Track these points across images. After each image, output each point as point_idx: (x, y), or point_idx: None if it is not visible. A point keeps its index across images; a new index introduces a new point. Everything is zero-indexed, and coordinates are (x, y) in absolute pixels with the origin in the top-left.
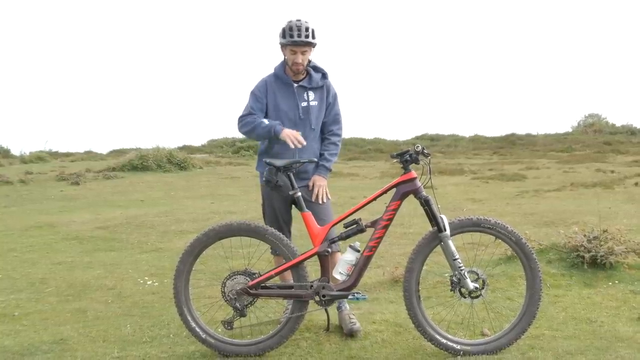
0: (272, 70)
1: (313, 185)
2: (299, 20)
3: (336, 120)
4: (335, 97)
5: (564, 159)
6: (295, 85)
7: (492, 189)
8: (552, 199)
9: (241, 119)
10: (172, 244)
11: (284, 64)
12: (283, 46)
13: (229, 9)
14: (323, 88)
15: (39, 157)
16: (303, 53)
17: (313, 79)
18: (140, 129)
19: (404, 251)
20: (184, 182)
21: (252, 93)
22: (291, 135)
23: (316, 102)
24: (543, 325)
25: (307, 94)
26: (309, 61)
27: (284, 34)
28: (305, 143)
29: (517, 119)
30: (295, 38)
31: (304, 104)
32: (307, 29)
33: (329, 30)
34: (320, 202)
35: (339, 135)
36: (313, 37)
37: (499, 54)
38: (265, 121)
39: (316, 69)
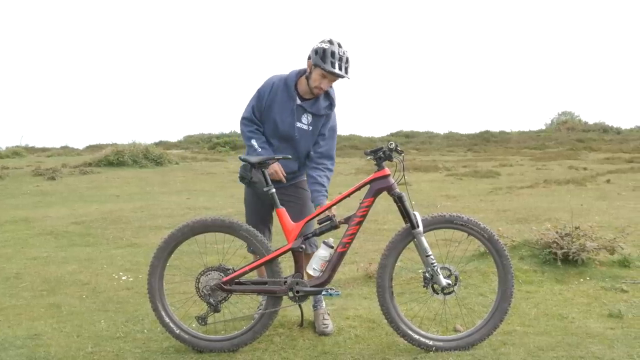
0: (286, 72)
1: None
2: (342, 49)
3: (330, 155)
4: (333, 130)
5: (537, 156)
6: (298, 102)
7: (466, 185)
8: (525, 195)
9: (242, 123)
10: (147, 240)
11: (300, 74)
12: (315, 67)
13: (205, 7)
14: (323, 117)
15: (15, 152)
16: (331, 81)
17: (319, 104)
18: (117, 124)
19: (378, 247)
20: (160, 177)
21: (258, 92)
22: (278, 172)
23: (311, 128)
24: (515, 321)
25: (306, 116)
26: None
27: (323, 57)
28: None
29: (491, 116)
30: (337, 70)
31: (299, 124)
32: (347, 61)
33: (306, 27)
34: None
35: (331, 170)
36: (347, 72)
37: (474, 53)
38: (259, 149)
39: (327, 95)
